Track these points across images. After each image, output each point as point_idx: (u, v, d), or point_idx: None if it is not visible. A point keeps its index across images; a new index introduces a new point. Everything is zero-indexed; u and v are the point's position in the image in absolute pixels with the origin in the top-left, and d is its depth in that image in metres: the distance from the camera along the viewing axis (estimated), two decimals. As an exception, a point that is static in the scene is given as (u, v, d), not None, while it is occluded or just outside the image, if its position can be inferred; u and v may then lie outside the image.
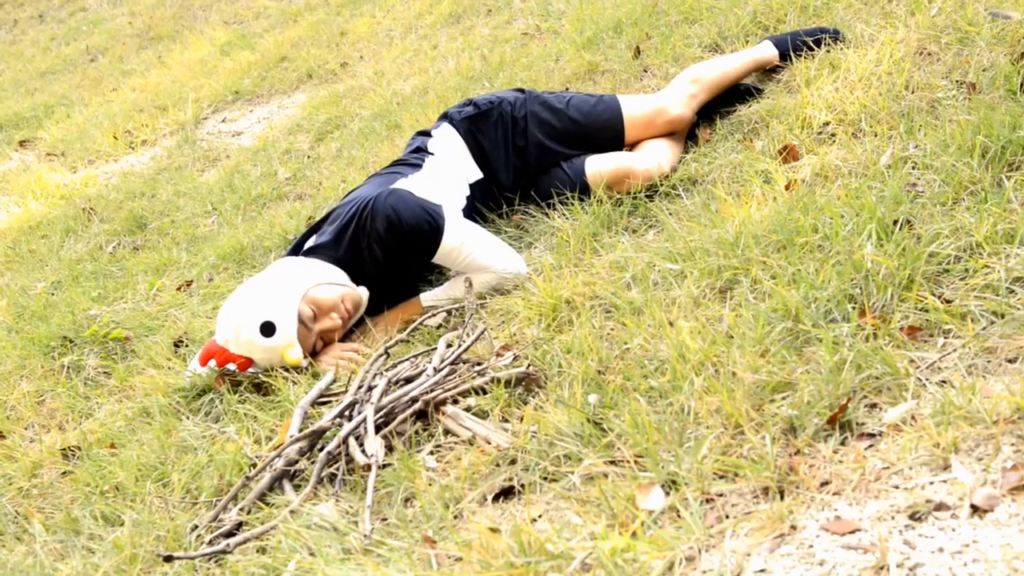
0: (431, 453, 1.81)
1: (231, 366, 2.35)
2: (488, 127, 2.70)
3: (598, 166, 2.64)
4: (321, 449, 1.91)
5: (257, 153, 4.46)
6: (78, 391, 2.72)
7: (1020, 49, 2.29)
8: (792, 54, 2.87)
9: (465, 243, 2.37)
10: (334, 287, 2.38)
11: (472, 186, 2.68)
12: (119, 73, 6.87)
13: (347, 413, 1.96)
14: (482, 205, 2.72)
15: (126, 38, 7.65)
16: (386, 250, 2.37)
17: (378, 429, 1.87)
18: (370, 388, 2.01)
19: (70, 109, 6.35)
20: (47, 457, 2.41)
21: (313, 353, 2.39)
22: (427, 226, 2.33)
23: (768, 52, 2.91)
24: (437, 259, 2.40)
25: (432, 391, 1.93)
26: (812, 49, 2.83)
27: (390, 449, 1.85)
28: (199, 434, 2.22)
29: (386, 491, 1.74)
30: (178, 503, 1.98)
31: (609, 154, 2.69)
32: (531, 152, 2.71)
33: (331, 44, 5.69)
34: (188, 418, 2.33)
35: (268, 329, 2.29)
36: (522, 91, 2.79)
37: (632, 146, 2.78)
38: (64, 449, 2.42)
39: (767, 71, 2.96)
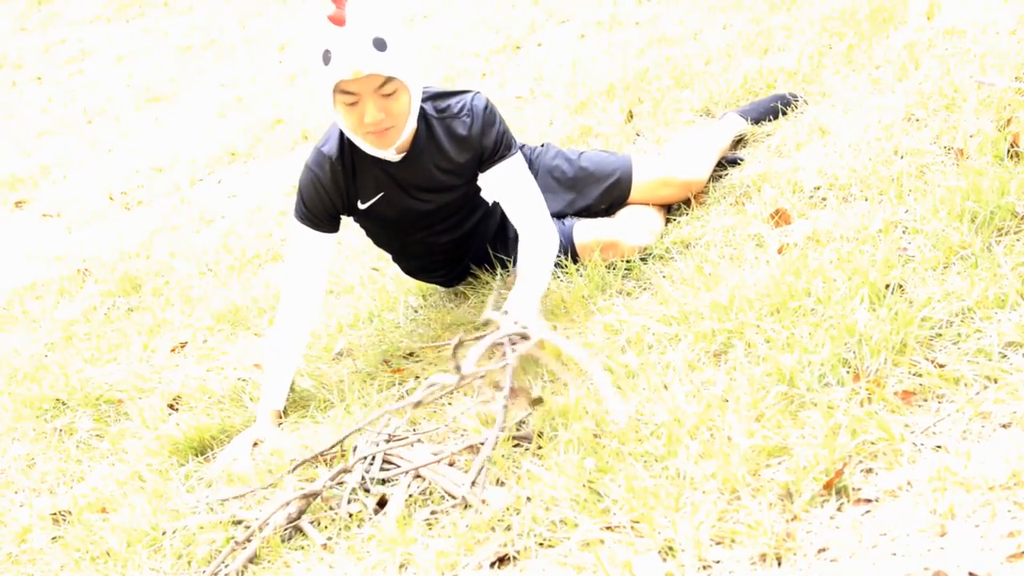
0: (425, 520, 1.80)
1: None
2: None
3: (586, 237, 2.61)
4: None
5: (252, 214, 4.48)
6: (70, 454, 2.70)
7: (1006, 115, 2.33)
8: (762, 119, 3.02)
9: (528, 174, 2.47)
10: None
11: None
12: (115, 134, 6.92)
13: (339, 478, 1.96)
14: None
15: (123, 100, 7.72)
16: (481, 125, 2.48)
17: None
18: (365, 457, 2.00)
19: (66, 170, 6.38)
20: (37, 522, 2.38)
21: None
22: (509, 132, 2.51)
23: (742, 124, 3.00)
24: (499, 169, 2.47)
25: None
26: (781, 113, 2.97)
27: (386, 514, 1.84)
28: (191, 500, 2.20)
29: (379, 559, 1.72)
30: (169, 570, 1.96)
31: (598, 223, 2.66)
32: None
33: (327, 107, 5.75)
34: (181, 482, 2.31)
35: (381, 44, 2.30)
36: (542, 145, 2.85)
37: (621, 208, 2.78)
38: (55, 513, 2.39)
39: (759, 138, 3.01)
